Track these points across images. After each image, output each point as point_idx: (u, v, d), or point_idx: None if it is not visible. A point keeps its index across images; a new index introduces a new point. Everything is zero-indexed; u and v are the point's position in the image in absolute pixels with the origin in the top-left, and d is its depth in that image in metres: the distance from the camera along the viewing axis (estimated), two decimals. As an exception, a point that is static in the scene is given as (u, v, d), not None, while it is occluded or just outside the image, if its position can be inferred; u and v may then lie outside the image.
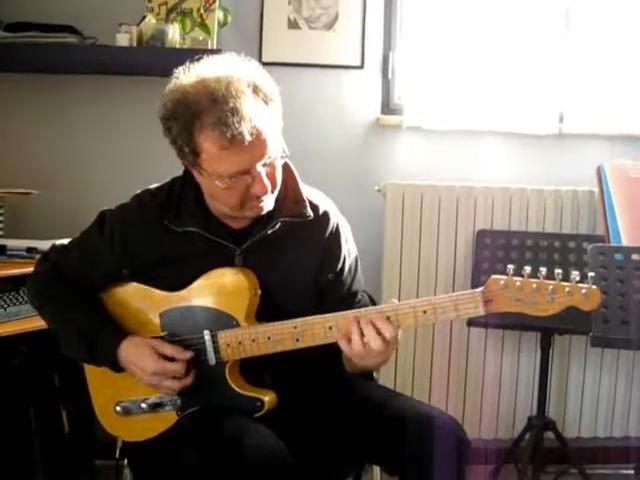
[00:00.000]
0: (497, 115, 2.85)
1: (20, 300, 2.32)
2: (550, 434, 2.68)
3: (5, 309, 2.26)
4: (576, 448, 2.75)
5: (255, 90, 1.51)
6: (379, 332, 1.48)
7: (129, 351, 1.61)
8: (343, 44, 2.88)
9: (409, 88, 2.88)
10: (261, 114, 1.49)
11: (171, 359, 1.60)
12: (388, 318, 1.49)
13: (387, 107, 2.95)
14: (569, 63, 2.88)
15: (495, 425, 2.90)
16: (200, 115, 1.47)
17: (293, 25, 2.86)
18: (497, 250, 2.69)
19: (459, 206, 2.81)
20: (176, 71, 1.56)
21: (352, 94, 2.91)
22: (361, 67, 2.90)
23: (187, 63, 1.57)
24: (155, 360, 1.59)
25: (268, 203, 1.58)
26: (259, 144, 1.49)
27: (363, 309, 1.54)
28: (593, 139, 2.92)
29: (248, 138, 1.46)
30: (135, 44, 2.57)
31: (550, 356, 2.64)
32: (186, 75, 1.54)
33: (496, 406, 2.89)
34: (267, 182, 1.53)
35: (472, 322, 2.55)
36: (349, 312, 1.54)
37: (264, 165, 1.52)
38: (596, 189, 2.48)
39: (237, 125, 1.44)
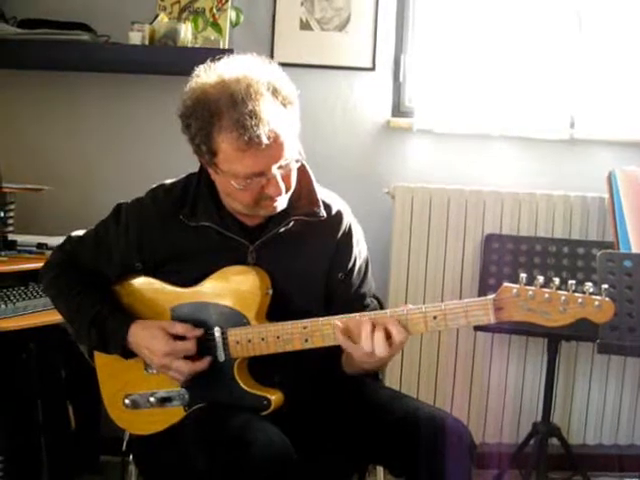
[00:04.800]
0: (508, 119, 2.84)
1: (29, 295, 2.32)
2: (555, 440, 2.66)
3: (14, 304, 2.26)
4: (581, 455, 2.74)
5: (274, 93, 1.52)
6: (389, 336, 1.48)
7: (139, 334, 1.62)
8: (355, 46, 2.88)
9: (420, 91, 2.88)
10: (279, 117, 1.50)
11: (182, 338, 1.60)
12: (399, 322, 1.49)
13: (398, 110, 2.94)
14: (581, 68, 2.87)
15: (500, 430, 2.89)
16: (219, 116, 1.48)
17: (305, 26, 2.86)
18: (505, 255, 2.67)
19: (468, 210, 2.80)
20: (197, 69, 1.57)
21: (363, 96, 2.91)
22: (372, 69, 2.89)
23: (208, 62, 1.57)
24: (166, 341, 1.59)
25: (282, 203, 1.59)
26: (276, 147, 1.50)
27: (372, 312, 1.54)
28: (604, 145, 2.91)
29: (265, 141, 1.46)
30: (147, 43, 2.58)
31: (556, 362, 2.62)
32: (207, 74, 1.55)
33: (501, 411, 2.88)
34: (282, 184, 1.54)
35: (479, 326, 2.53)
36: (358, 314, 1.53)
37: (280, 168, 1.53)
38: (606, 195, 2.47)
39: (255, 128, 1.44)
